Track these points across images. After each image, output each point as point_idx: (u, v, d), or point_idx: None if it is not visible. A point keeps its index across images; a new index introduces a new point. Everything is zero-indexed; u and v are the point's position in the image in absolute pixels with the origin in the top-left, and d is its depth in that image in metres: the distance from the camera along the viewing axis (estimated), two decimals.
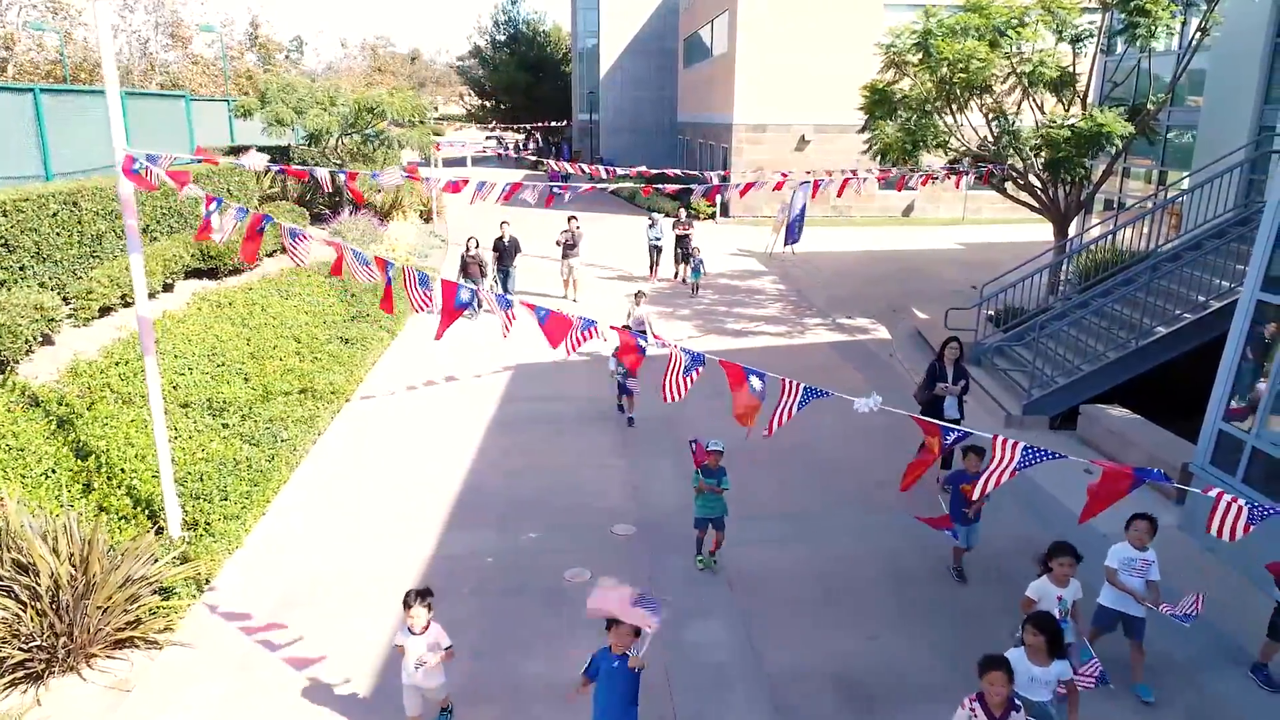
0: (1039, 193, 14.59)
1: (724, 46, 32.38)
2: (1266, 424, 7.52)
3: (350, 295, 16.51)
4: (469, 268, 16.50)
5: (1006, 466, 4.74)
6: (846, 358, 14.35)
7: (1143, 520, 6.19)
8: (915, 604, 7.24)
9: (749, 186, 13.79)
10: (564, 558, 7.85)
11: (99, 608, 6.11)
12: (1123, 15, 12.68)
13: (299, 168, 11.52)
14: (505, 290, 16.78)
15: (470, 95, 73.52)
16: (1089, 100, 14.71)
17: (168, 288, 13.99)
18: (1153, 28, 12.07)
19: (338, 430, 10.95)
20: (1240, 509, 4.24)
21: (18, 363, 9.80)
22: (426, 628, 5.31)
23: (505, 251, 17.11)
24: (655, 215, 20.63)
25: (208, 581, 7.25)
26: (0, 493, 6.87)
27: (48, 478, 7.72)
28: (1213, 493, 4.53)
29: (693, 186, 14.86)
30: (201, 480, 8.38)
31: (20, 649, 5.85)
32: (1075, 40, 14.10)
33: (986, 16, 13.38)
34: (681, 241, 19.38)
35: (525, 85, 61.65)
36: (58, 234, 11.83)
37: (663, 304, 17.56)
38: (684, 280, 19.27)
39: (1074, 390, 10.83)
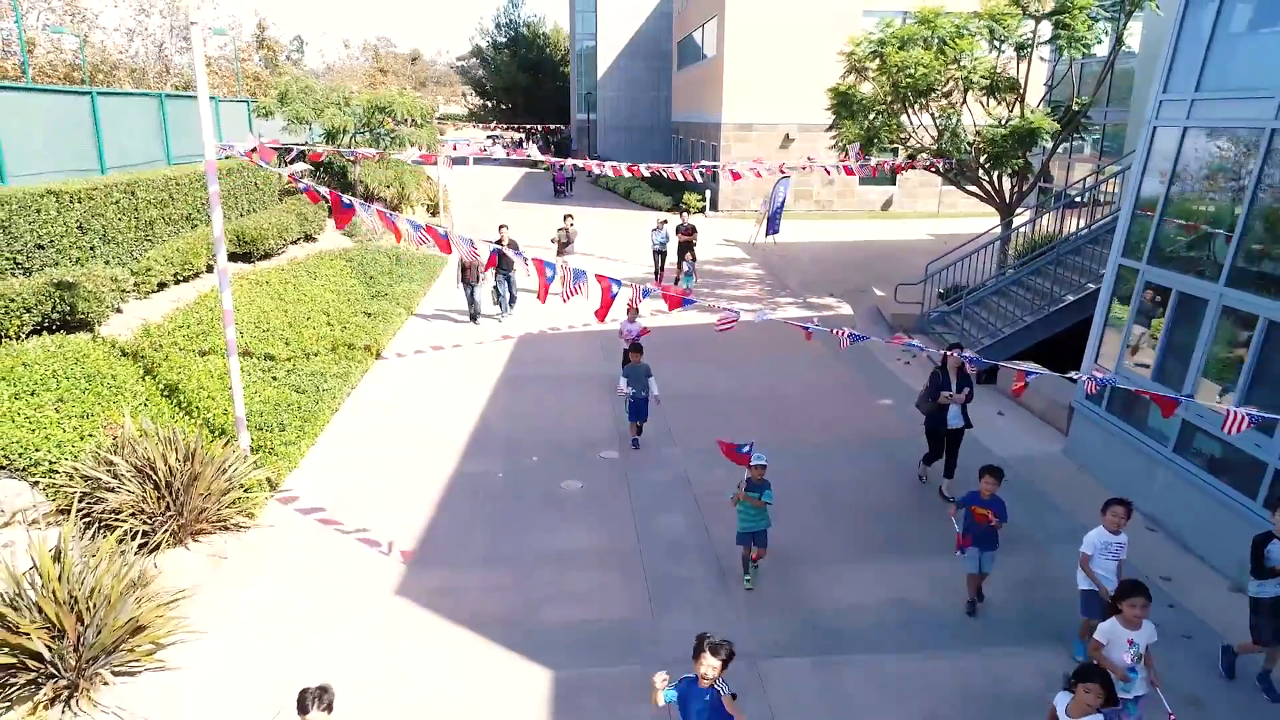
0: (984, 184, 16.42)
1: (714, 50, 34.20)
2: (1123, 366, 9.35)
3: (369, 278, 18.37)
4: (466, 272, 16.30)
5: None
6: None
7: (1120, 505, 6.23)
8: (836, 506, 9.06)
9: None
10: (560, 473, 9.70)
11: (201, 494, 7.94)
12: (1051, 26, 14.52)
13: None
14: (510, 294, 16.80)
15: (471, 95, 75.32)
16: (1038, 100, 16.53)
17: (210, 269, 15.78)
18: (1073, 38, 13.86)
19: (367, 385, 12.79)
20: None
21: (100, 325, 11.62)
22: None
23: (503, 256, 17.05)
24: (662, 219, 20.45)
25: (275, 487, 9.09)
26: (124, 415, 8.71)
27: (143, 409, 9.55)
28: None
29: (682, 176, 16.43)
30: (263, 415, 10.21)
31: (144, 524, 7.67)
32: (1019, 48, 15.92)
33: (933, 28, 15.19)
34: (685, 246, 19.28)
35: (525, 86, 63.49)
36: (119, 219, 13.61)
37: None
38: (677, 280, 19.46)
39: (997, 349, 12.67)
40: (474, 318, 16.67)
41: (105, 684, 5.87)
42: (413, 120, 27.35)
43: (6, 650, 5.56)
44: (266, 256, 17.75)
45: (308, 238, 20.66)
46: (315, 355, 12.93)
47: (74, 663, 5.71)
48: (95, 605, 5.89)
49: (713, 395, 12.32)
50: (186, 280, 14.74)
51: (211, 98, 23.40)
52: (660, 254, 19.83)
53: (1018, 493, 9.36)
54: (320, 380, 11.87)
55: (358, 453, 10.31)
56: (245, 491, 8.56)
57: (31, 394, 8.92)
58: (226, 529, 8.28)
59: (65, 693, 5.70)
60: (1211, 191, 8.48)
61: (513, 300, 16.95)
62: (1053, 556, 7.89)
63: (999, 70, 15.88)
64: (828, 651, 6.62)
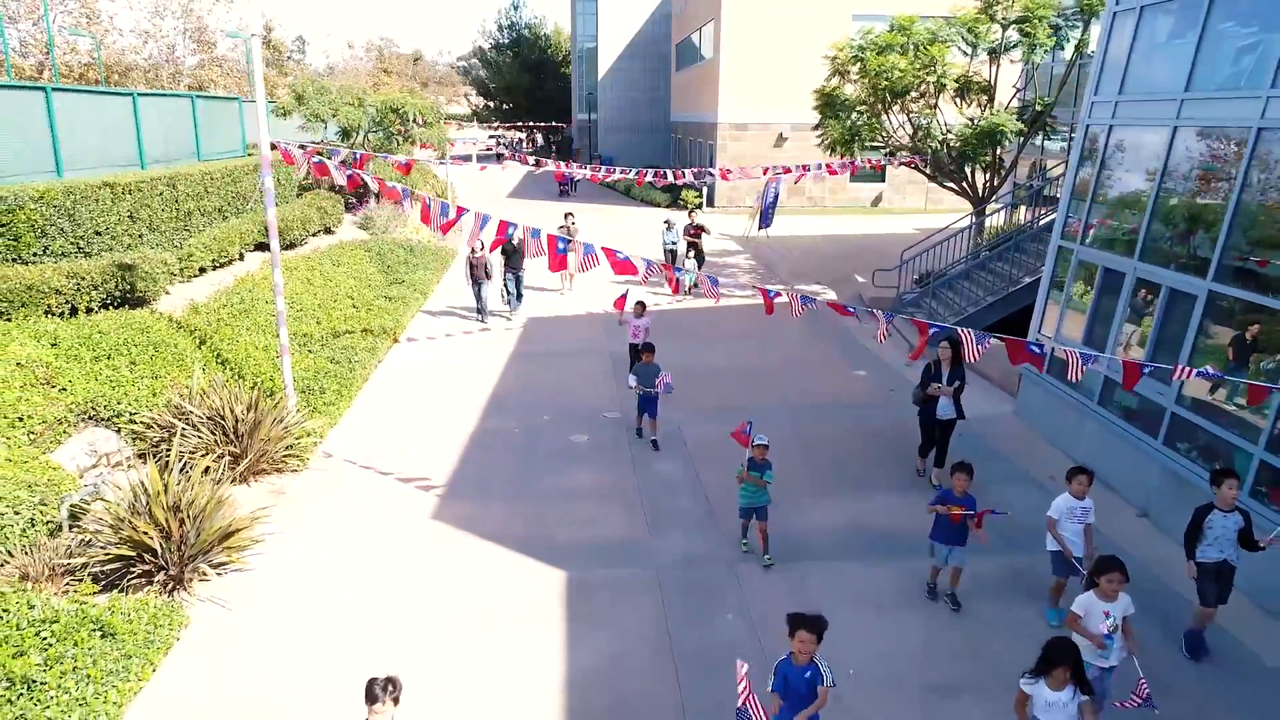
0: (958, 179, 17.73)
1: (711, 52, 35.52)
2: (1060, 334, 10.68)
3: (387, 266, 19.69)
4: (475, 270, 16.62)
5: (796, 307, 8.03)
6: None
7: (1082, 474, 6.85)
8: (809, 455, 10.37)
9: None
10: (569, 429, 11.03)
11: (262, 439, 9.26)
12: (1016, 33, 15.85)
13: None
14: (516, 291, 17.20)
15: (474, 95, 76.68)
16: (1008, 100, 17.86)
17: (242, 256, 17.11)
18: (1034, 43, 15.17)
19: (392, 359, 14.12)
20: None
21: (154, 303, 12.93)
22: None
23: (514, 254, 17.11)
24: (672, 219, 20.29)
25: (321, 438, 10.41)
26: (195, 372, 10.04)
27: (203, 372, 10.87)
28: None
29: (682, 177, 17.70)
30: (305, 380, 11.53)
31: (214, 462, 8.98)
32: (990, 52, 17.23)
33: (908, 35, 16.51)
34: (691, 245, 19.21)
35: (527, 86, 64.87)
36: (163, 209, 14.91)
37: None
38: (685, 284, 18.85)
39: (960, 326, 13.97)
40: (482, 315, 16.98)
41: (204, 579, 7.21)
42: (423, 120, 28.70)
43: (128, 545, 6.88)
44: (291, 246, 19.06)
45: (327, 230, 21.99)
46: (342, 334, 14.25)
47: (178, 558, 7.03)
48: (193, 514, 7.21)
49: (707, 368, 13.64)
50: (223, 266, 16.06)
51: (235, 99, 24.77)
52: (671, 253, 20.18)
53: (970, 446, 10.71)
54: (351, 353, 13.19)
55: (390, 413, 11.64)
56: (297, 440, 9.88)
57: (109, 357, 10.25)
58: (282, 471, 9.61)
59: (171, 584, 7.02)
60: (1130, 180, 9.80)
61: (519, 298, 17.36)
62: (988, 490, 9.19)
63: (971, 73, 17.20)
64: (794, 560, 7.94)
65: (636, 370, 10.65)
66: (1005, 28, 16.34)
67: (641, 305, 12.25)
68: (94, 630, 6.10)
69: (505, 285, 17.21)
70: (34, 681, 5.53)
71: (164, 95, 19.96)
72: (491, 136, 75.63)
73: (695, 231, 19.34)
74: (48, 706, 5.42)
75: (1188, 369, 6.46)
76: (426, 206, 9.85)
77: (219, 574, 7.39)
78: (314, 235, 20.93)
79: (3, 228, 11.46)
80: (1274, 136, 7.60)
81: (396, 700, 4.49)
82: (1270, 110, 7.62)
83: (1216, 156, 8.36)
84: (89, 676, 5.74)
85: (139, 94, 17.41)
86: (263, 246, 18.23)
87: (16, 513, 7.15)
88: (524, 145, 71.28)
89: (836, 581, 7.63)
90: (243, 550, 7.61)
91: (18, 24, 38.73)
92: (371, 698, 4.45)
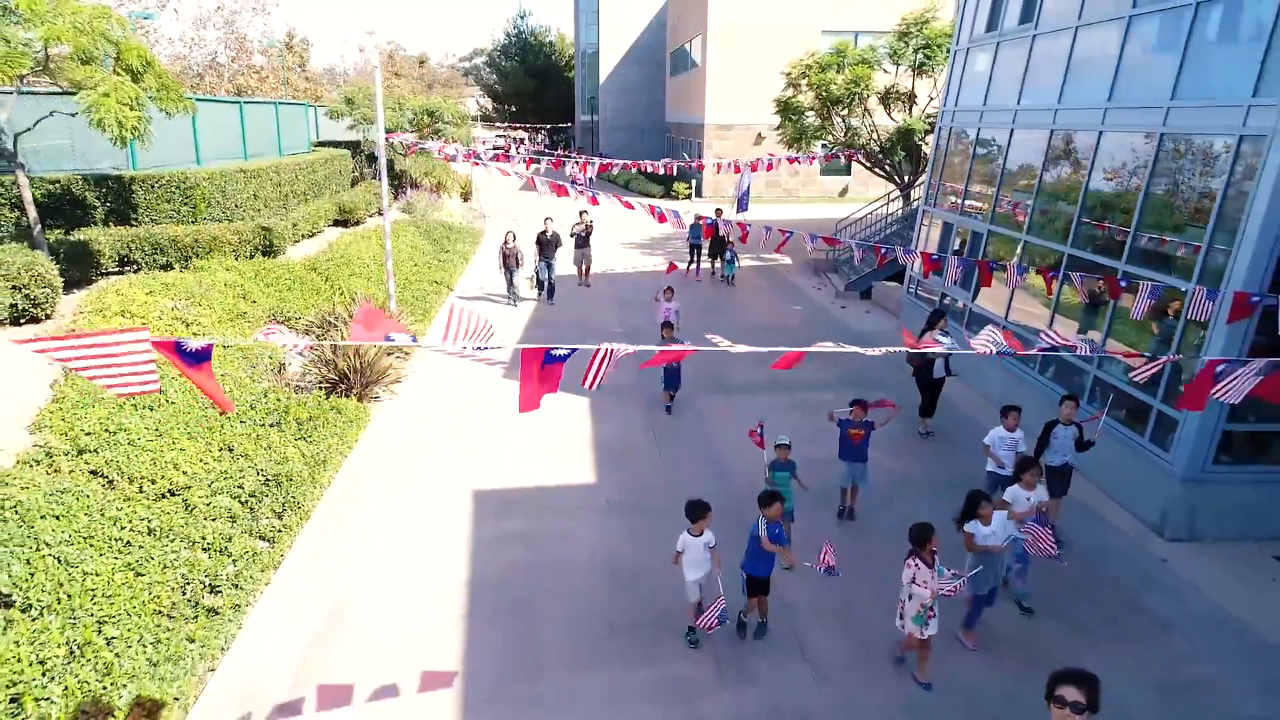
0: (886, 169, 22.63)
1: (700, 60, 40.36)
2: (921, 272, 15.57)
3: (434, 240, 24.55)
4: (506, 259, 18.45)
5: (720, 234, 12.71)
6: (759, 274, 22.42)
7: (1014, 411, 8.26)
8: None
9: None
10: (586, 340, 15.91)
11: None
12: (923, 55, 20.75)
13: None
14: (548, 277, 19.12)
15: (481, 98, 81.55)
16: (927, 107, 22.73)
17: (323, 230, 21.93)
18: (935, 64, 20.05)
19: (451, 300, 18.98)
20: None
21: (282, 255, 17.77)
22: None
23: (547, 244, 18.92)
24: (699, 214, 21.92)
25: (417, 339, 15.29)
26: (340, 289, 14.92)
27: (344, 293, 15.72)
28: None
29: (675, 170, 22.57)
30: (400, 307, 16.42)
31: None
32: (913, 68, 22.09)
33: (843, 57, 21.40)
34: (722, 240, 20.88)
35: (532, 90, 69.79)
36: (272, 191, 19.73)
37: (661, 250, 25.50)
38: (717, 273, 21.71)
39: (874, 276, 18.89)
40: (513, 301, 19.02)
41: (375, 399, 12.09)
42: (453, 122, 33.55)
43: (334, 372, 11.75)
44: (358, 223, 23.90)
45: (379, 213, 26.84)
46: (413, 283, 19.11)
47: (361, 384, 11.89)
48: (368, 360, 12.08)
49: (688, 311, 18.54)
50: (313, 236, 20.90)
51: (304, 104, 29.60)
52: (696, 247, 22.28)
53: (862, 359, 15.59)
54: (425, 293, 18.09)
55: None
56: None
57: (274, 284, 15.12)
58: (398, 355, 14.47)
59: (358, 397, 11.89)
60: (959, 163, 14.68)
61: (552, 290, 19.31)
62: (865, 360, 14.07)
63: (896, 84, 22.11)
64: (731, 394, 12.82)
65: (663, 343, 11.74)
66: (917, 51, 21.23)
67: (671, 290, 14.62)
68: (330, 410, 10.96)
69: (536, 273, 19.19)
70: (310, 427, 10.40)
71: (257, 103, 24.82)
72: (499, 136, 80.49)
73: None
74: (324, 436, 10.30)
75: (925, 254, 11.35)
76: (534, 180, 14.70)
77: (381, 397, 12.26)
78: (370, 216, 25.76)
79: (187, 199, 16.30)
80: (1022, 134, 12.47)
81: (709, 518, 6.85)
82: (1020, 120, 12.48)
83: (996, 147, 13.23)
84: (335, 426, 10.61)
85: (244, 102, 22.25)
86: (338, 223, 23.11)
87: (260, 357, 12.01)
88: (529, 144, 76.12)
89: (758, 402, 12.50)
90: (394, 384, 12.49)
91: None
92: (697, 517, 6.82)
